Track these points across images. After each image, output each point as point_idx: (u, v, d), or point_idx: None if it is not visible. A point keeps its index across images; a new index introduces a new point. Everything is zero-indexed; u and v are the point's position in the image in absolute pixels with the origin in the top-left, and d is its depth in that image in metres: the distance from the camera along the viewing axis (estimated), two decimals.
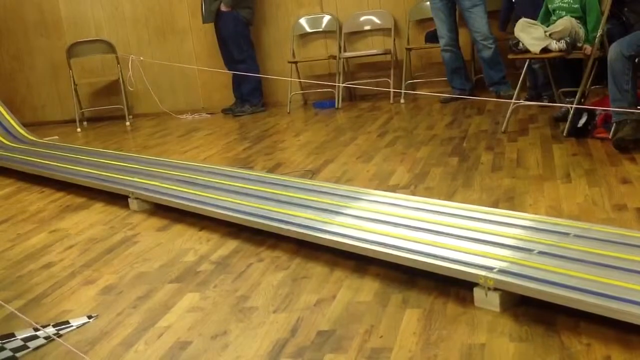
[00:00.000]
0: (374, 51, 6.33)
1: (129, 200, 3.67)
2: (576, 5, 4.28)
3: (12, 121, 5.91)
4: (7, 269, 2.98)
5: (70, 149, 5.26)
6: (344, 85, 6.27)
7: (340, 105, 6.23)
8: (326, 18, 6.57)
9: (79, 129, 6.73)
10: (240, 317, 2.25)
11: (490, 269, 2.16)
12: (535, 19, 4.43)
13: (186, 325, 2.23)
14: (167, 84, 7.04)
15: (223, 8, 6.26)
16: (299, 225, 2.81)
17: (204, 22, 6.51)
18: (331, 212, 2.94)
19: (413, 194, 3.31)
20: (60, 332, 2.28)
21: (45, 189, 4.37)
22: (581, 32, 4.24)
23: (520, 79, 4.58)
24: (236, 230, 3.08)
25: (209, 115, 6.67)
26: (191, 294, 2.48)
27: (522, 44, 4.31)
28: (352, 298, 2.30)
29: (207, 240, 3.06)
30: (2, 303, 2.47)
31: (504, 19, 5.48)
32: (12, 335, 2.27)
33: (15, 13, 7.25)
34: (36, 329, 2.26)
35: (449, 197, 3.22)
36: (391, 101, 6.13)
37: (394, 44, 6.33)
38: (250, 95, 6.47)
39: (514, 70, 5.44)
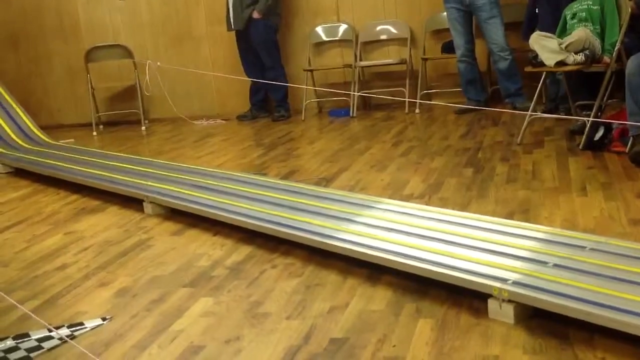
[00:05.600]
0: (389, 60, 6.34)
1: (144, 204, 3.69)
2: (595, 7, 4.26)
3: (29, 123, 5.96)
4: (22, 270, 3.01)
5: (86, 152, 5.30)
6: (359, 94, 6.28)
7: (355, 114, 6.24)
8: (342, 27, 6.59)
9: (95, 133, 6.78)
10: (254, 322, 2.26)
11: (504, 280, 2.15)
12: (555, 29, 4.42)
13: (199, 330, 2.24)
14: (183, 90, 7.08)
15: (255, 15, 6.23)
16: (313, 232, 2.82)
17: (230, 30, 6.44)
18: (345, 220, 2.94)
19: (427, 203, 3.31)
20: (74, 333, 2.29)
21: (61, 191, 4.40)
22: (596, 43, 4.23)
23: (537, 91, 4.56)
24: (250, 236, 3.09)
25: (223, 122, 6.71)
26: (205, 298, 2.49)
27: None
28: (365, 306, 2.30)
29: (221, 245, 3.07)
30: (17, 304, 2.49)
31: (527, 29, 5.39)
32: (27, 335, 2.29)
33: (34, 17, 7.33)
34: (50, 330, 2.28)
35: (464, 207, 3.21)
36: (406, 111, 6.14)
37: (410, 53, 6.34)
38: (284, 99, 6.49)
39: (530, 82, 5.43)
